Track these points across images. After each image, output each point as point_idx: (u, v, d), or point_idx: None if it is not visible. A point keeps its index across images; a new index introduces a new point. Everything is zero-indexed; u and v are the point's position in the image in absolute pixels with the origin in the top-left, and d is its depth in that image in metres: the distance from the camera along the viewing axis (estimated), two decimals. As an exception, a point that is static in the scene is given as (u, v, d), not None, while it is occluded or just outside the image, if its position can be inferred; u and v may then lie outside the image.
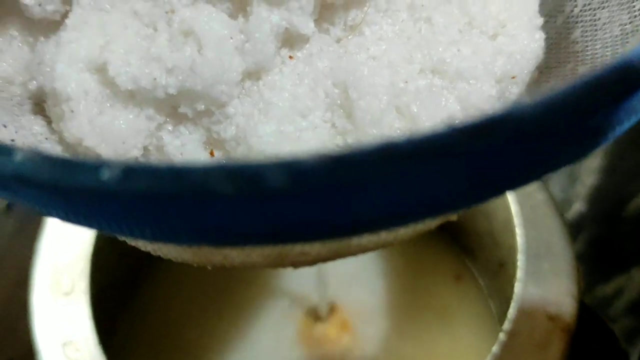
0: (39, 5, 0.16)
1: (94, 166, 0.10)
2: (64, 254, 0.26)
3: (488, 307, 0.35)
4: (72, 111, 0.16)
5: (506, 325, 0.24)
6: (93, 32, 0.16)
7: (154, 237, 0.11)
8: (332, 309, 0.34)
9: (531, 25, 0.18)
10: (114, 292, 0.33)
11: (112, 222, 0.11)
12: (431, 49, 0.16)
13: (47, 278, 0.25)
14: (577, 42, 0.18)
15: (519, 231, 0.27)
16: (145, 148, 0.16)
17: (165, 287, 0.35)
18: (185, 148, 0.16)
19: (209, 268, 0.17)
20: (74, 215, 0.11)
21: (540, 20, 0.18)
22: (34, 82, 0.17)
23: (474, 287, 0.35)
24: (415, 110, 0.15)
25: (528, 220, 0.27)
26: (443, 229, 0.38)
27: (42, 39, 0.17)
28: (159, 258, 0.36)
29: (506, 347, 0.23)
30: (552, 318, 0.24)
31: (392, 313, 0.34)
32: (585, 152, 0.12)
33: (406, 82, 0.16)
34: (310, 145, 0.15)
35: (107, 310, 0.33)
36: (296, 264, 0.16)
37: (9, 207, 0.46)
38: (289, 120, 0.15)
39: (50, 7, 0.17)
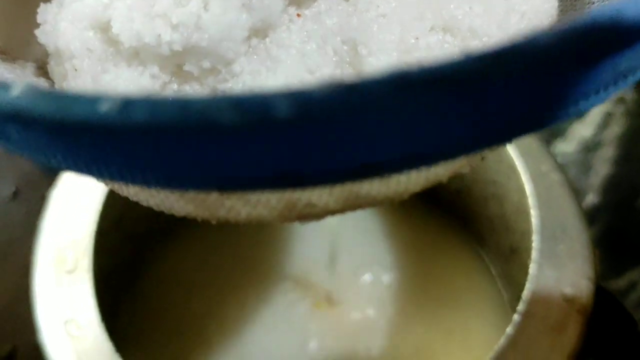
0: None
1: (93, 98, 0.09)
2: (67, 233, 0.25)
3: (499, 293, 0.34)
4: (76, 69, 0.16)
5: (521, 307, 0.23)
6: None
7: (155, 179, 0.11)
8: (340, 294, 0.33)
9: None
10: (118, 274, 0.33)
11: (111, 162, 0.10)
12: (442, 6, 0.16)
13: (50, 256, 0.25)
14: (593, 3, 0.17)
15: (533, 212, 0.26)
16: None
17: (170, 269, 0.34)
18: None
19: (213, 222, 0.16)
20: (71, 156, 0.11)
21: None
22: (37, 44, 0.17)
23: (485, 273, 0.35)
24: (426, 66, 0.14)
25: (543, 201, 0.27)
26: (453, 214, 0.38)
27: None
28: (163, 240, 0.36)
29: (520, 329, 0.23)
30: (568, 300, 0.24)
31: (401, 299, 0.34)
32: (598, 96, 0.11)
33: (417, 38, 0.15)
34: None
35: (110, 292, 0.33)
36: (303, 217, 0.16)
37: (15, 194, 0.46)
38: (296, 78, 0.15)
39: None
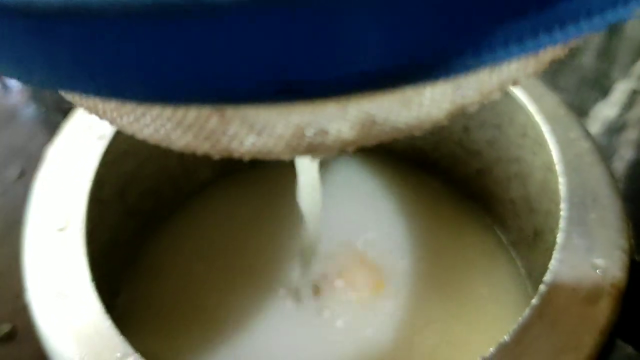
0: None
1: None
2: (61, 190, 0.24)
3: (522, 280, 0.32)
4: None
5: (547, 277, 0.21)
6: None
7: (140, 87, 0.09)
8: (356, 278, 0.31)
9: None
10: (118, 252, 0.31)
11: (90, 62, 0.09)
12: None
13: (41, 213, 0.23)
14: None
15: (561, 179, 0.24)
16: None
17: (172, 250, 0.33)
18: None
19: (216, 157, 0.15)
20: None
21: None
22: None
23: (505, 258, 0.32)
24: None
25: (572, 168, 0.24)
26: (472, 197, 0.36)
27: None
28: (167, 219, 0.35)
29: (548, 299, 0.21)
30: (600, 271, 0.21)
31: (419, 285, 0.32)
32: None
33: None
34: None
35: (110, 270, 0.31)
36: (314, 149, 0.14)
37: (20, 175, 0.46)
38: None
39: None
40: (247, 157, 0.14)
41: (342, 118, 0.13)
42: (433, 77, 0.11)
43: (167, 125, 0.14)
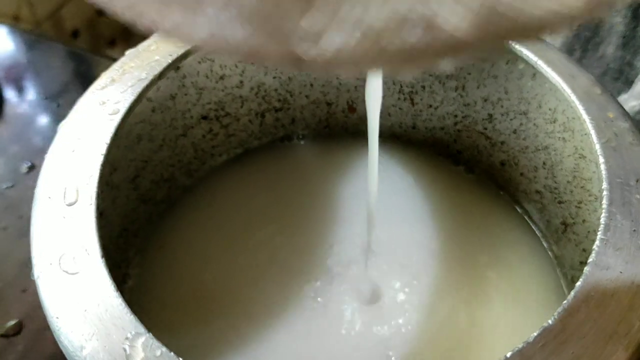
0: None
1: None
2: (71, 167, 0.23)
3: (556, 275, 0.30)
4: None
5: (592, 258, 0.20)
6: None
7: None
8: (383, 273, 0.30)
9: None
10: (129, 237, 0.30)
11: None
12: None
13: (50, 189, 0.22)
14: None
15: (602, 159, 0.22)
16: None
17: (182, 237, 0.31)
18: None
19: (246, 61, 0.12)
20: None
21: None
22: None
23: (537, 251, 0.31)
24: None
25: (612, 147, 0.23)
26: (500, 187, 0.34)
27: None
28: (175, 204, 0.33)
29: (592, 282, 0.19)
30: (649, 253, 0.20)
31: (448, 277, 0.30)
32: None
33: None
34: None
35: (120, 255, 0.30)
36: (410, 55, 0.10)
37: (30, 169, 0.45)
38: None
39: None
40: (310, 68, 0.11)
41: (458, 4, 0.09)
42: None
43: (225, 14, 0.11)
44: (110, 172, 0.26)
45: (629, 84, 0.37)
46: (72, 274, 0.19)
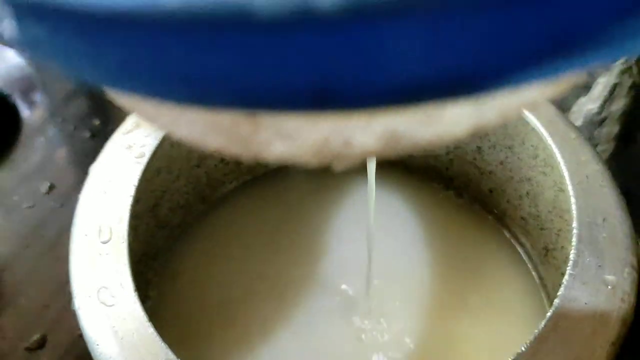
0: None
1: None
2: (105, 206, 0.25)
3: (539, 294, 0.33)
4: None
5: (561, 291, 0.23)
6: None
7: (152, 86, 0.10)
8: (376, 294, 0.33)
9: None
10: (148, 261, 0.33)
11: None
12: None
13: (86, 227, 0.25)
14: None
15: (573, 200, 0.25)
16: None
17: (196, 256, 0.34)
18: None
19: (243, 160, 0.15)
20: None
21: None
22: None
23: (522, 269, 0.34)
24: None
25: (582, 189, 0.26)
26: (488, 211, 0.37)
27: None
28: (191, 228, 0.36)
29: (562, 312, 0.22)
30: (612, 287, 0.23)
31: (438, 295, 0.33)
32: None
33: None
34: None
35: (141, 279, 0.33)
36: (339, 158, 0.14)
37: (50, 188, 0.47)
38: None
39: None
40: (274, 163, 0.15)
41: (367, 131, 0.13)
42: (466, 94, 0.11)
43: (202, 128, 0.15)
44: (136, 204, 0.29)
45: (587, 88, 0.39)
46: (109, 306, 0.22)
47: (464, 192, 0.38)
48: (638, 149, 0.37)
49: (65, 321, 0.39)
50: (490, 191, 0.37)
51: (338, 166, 0.15)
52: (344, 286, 0.33)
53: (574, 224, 0.25)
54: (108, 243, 0.24)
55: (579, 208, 0.25)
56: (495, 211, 0.37)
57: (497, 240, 0.36)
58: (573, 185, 0.26)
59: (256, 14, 0.08)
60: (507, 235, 0.36)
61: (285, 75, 0.10)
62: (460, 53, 0.10)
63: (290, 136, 0.13)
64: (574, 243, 0.24)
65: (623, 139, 0.37)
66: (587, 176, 0.26)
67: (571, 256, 0.24)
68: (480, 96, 0.11)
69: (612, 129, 0.37)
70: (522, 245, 0.35)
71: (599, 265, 0.23)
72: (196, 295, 0.32)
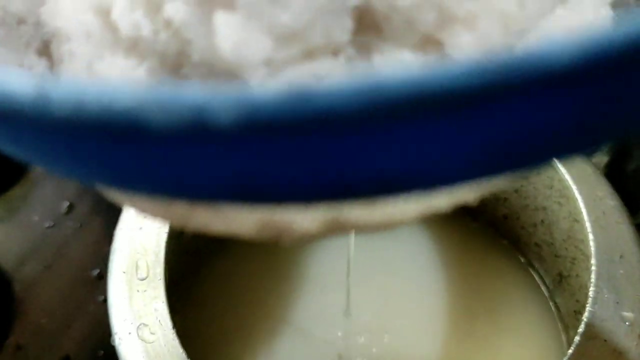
0: None
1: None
2: (140, 242, 0.26)
3: (554, 319, 0.34)
4: (72, 53, 0.15)
5: (581, 328, 0.24)
6: None
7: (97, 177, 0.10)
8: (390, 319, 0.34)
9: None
10: (173, 289, 0.34)
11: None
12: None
13: (123, 264, 0.26)
14: None
15: (591, 236, 0.26)
16: None
17: (219, 284, 0.35)
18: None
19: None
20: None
21: None
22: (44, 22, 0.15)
23: (536, 299, 0.35)
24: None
25: (600, 225, 0.27)
26: (503, 236, 0.38)
27: None
28: (214, 254, 0.37)
29: (581, 350, 0.23)
30: (629, 324, 0.24)
31: (449, 319, 0.34)
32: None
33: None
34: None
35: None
36: (281, 238, 0.14)
37: (69, 208, 0.48)
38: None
39: None
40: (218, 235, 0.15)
41: (307, 217, 0.14)
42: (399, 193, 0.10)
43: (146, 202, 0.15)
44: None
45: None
46: (149, 342, 0.23)
47: (479, 217, 0.39)
48: (633, 164, 0.38)
49: (88, 341, 0.40)
50: (505, 217, 0.38)
51: (285, 243, 0.15)
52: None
53: (593, 261, 0.26)
54: (145, 280, 0.25)
55: (597, 245, 0.26)
56: (510, 237, 0.38)
57: (511, 265, 0.37)
58: (590, 221, 0.27)
59: (150, 126, 0.07)
60: (522, 260, 0.37)
61: (200, 175, 0.09)
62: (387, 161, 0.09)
63: (227, 217, 0.14)
64: (592, 280, 0.25)
65: (618, 152, 0.38)
66: (603, 212, 0.27)
67: (590, 293, 0.25)
68: (417, 194, 0.11)
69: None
70: (536, 271, 0.36)
71: (617, 302, 0.24)
72: (218, 321, 0.33)
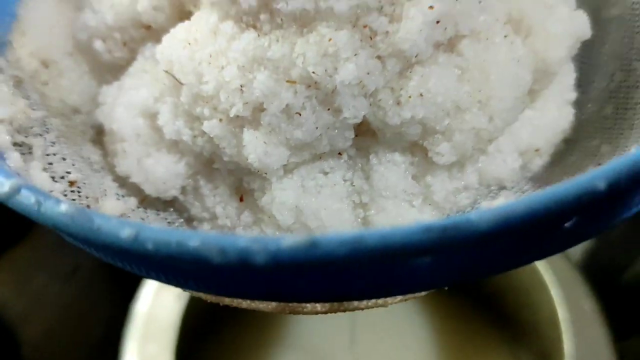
0: (109, 52, 0.19)
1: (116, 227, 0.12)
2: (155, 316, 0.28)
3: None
4: (125, 151, 0.18)
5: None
6: (150, 82, 0.18)
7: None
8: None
9: (562, 100, 0.19)
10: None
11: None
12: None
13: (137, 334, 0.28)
14: (607, 119, 0.19)
15: (565, 338, 0.28)
16: (183, 188, 0.18)
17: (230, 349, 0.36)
18: (218, 191, 0.18)
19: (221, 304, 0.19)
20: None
21: (573, 95, 0.19)
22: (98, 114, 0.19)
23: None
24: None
25: (576, 327, 0.28)
26: (492, 317, 0.38)
27: (108, 77, 0.20)
28: (220, 322, 0.38)
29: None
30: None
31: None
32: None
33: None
34: (327, 199, 0.17)
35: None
36: (297, 313, 0.19)
37: (74, 271, 0.48)
38: (310, 176, 0.18)
39: (117, 54, 0.19)
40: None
41: (316, 305, 0.18)
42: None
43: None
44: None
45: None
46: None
47: (465, 294, 0.39)
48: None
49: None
50: (490, 295, 0.38)
51: (297, 314, 0.19)
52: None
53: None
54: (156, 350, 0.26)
55: (572, 348, 0.28)
56: (497, 314, 0.38)
57: (498, 340, 0.38)
58: (566, 323, 0.29)
59: (212, 261, 0.12)
60: (507, 335, 0.37)
61: (246, 289, 0.14)
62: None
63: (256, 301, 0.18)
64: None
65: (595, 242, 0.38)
66: (579, 315, 0.29)
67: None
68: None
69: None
70: (518, 347, 0.36)
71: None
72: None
